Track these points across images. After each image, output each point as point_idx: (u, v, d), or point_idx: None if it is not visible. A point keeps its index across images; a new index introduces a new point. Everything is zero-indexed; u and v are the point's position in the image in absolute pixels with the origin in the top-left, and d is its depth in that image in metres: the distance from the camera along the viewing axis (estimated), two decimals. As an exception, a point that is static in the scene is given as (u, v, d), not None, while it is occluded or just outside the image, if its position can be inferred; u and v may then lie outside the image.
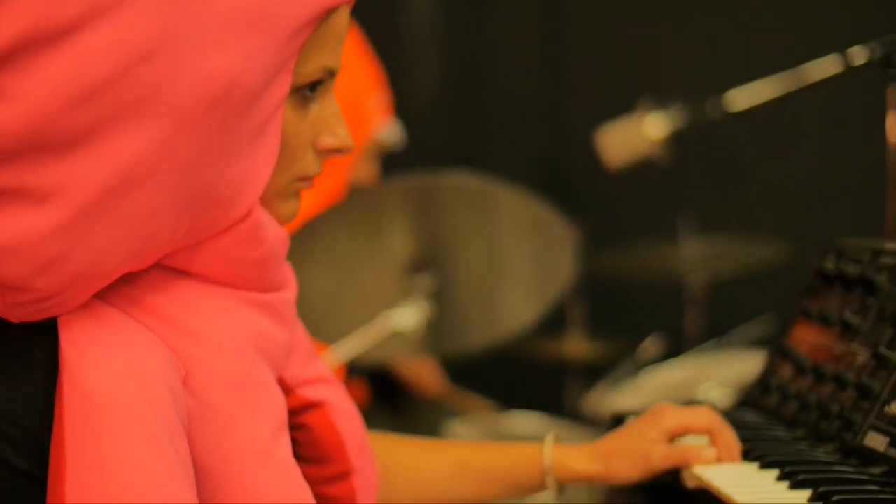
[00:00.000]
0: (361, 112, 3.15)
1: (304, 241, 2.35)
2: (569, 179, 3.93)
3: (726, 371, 2.81)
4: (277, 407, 1.08)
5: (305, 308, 2.40)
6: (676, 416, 1.36)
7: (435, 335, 2.55)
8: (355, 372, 3.14)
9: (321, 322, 2.44)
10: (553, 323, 3.42)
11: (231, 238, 1.03)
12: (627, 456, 1.35)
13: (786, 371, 1.51)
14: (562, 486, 1.40)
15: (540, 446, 1.39)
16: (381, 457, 1.37)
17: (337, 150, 1.10)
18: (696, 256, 3.20)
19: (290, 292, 1.16)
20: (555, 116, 4.03)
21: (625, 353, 3.30)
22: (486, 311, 2.57)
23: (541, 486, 1.40)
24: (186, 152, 0.93)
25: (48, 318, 0.97)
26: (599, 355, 3.38)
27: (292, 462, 1.09)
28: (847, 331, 1.41)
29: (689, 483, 1.32)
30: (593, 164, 2.77)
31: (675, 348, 3.16)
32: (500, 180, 2.47)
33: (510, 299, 2.55)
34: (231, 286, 1.06)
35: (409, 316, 2.40)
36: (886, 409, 1.27)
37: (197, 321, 1.03)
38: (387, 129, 3.12)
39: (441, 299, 2.50)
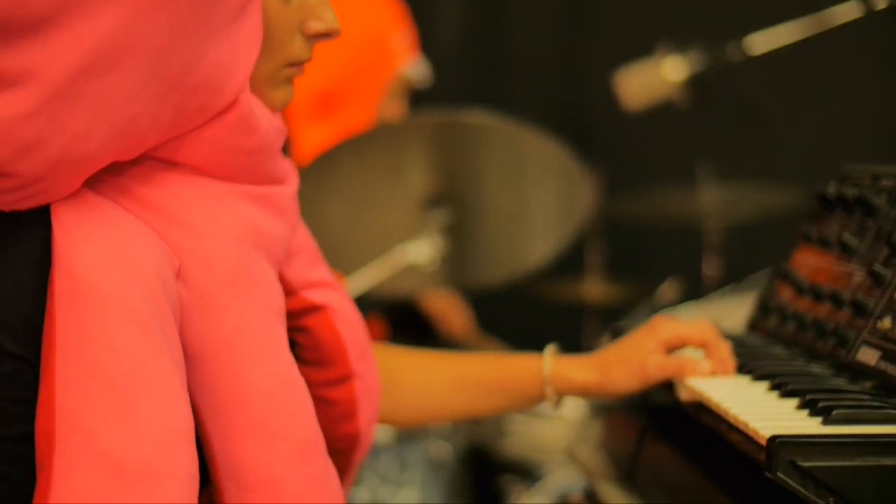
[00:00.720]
0: (385, 50, 3.17)
1: (324, 174, 2.38)
2: (590, 125, 3.94)
3: (743, 316, 2.83)
4: (273, 299, 1.10)
5: (323, 239, 2.44)
6: (673, 328, 1.38)
7: (452, 270, 2.58)
8: (375, 307, 3.17)
9: (338, 253, 2.48)
10: (572, 266, 3.44)
11: (220, 127, 1.04)
12: (625, 366, 1.38)
13: (786, 293, 1.53)
14: (561, 398, 1.43)
15: (540, 358, 1.42)
16: (383, 367, 1.40)
17: (325, 35, 1.11)
18: (714, 202, 3.21)
19: (290, 186, 1.17)
20: (576, 62, 4.04)
21: (642, 297, 3.32)
22: (502, 247, 2.59)
23: (541, 398, 1.43)
24: (157, 34, 0.93)
25: (41, 207, 0.99)
26: (617, 299, 3.41)
27: (287, 354, 1.12)
28: (845, 252, 1.43)
29: (683, 395, 1.34)
30: (614, 110, 2.78)
31: (693, 293, 3.18)
32: (520, 122, 2.49)
33: (527, 236, 2.58)
34: (226, 178, 1.08)
35: (424, 250, 2.42)
36: (879, 324, 1.29)
37: (190, 213, 1.05)
38: (413, 66, 3.14)
39: (458, 235, 2.53)
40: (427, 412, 1.47)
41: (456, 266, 2.59)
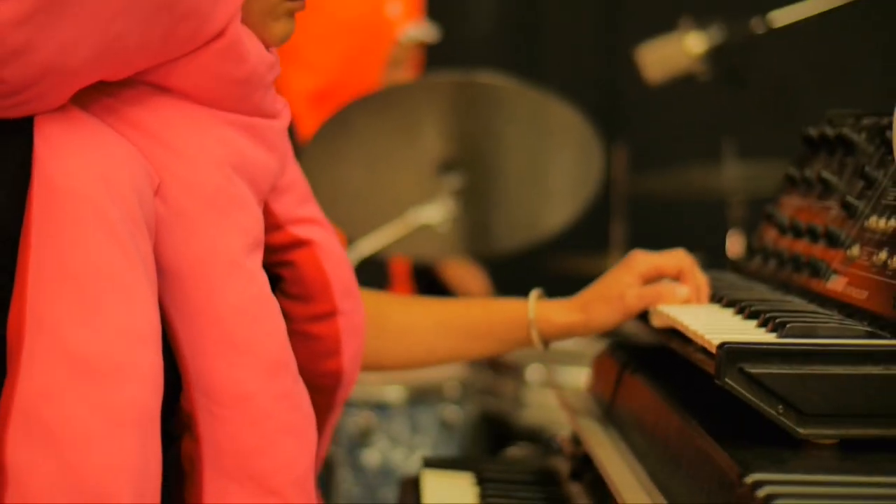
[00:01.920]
0: (380, 24, 3.19)
1: (339, 136, 2.42)
2: (621, 103, 3.96)
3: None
4: (252, 223, 1.13)
5: (338, 201, 2.48)
6: (649, 260, 1.41)
7: (468, 235, 2.61)
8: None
9: (353, 215, 2.51)
10: (596, 241, 3.46)
11: (210, 54, 1.08)
12: (604, 301, 1.40)
13: (770, 235, 1.54)
14: (546, 342, 1.45)
15: (525, 302, 1.45)
16: (370, 310, 1.43)
17: None
18: (738, 178, 3.22)
19: (281, 122, 1.20)
20: (611, 39, 4.06)
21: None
22: (518, 212, 2.61)
23: (526, 341, 1.45)
24: None
25: (25, 120, 1.02)
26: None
27: (262, 277, 1.14)
28: (826, 189, 1.44)
29: (655, 322, 1.36)
30: (645, 89, 2.80)
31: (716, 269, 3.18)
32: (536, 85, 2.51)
33: (543, 202, 2.60)
34: (216, 106, 1.11)
35: (438, 213, 2.45)
36: (848, 253, 1.30)
37: (175, 135, 1.09)
38: (414, 30, 3.15)
39: (473, 199, 2.55)
40: (413, 355, 1.49)
41: (472, 231, 2.61)
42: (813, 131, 1.52)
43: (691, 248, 3.45)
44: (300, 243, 1.24)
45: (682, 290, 1.36)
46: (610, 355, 1.57)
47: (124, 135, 1.07)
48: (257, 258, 1.14)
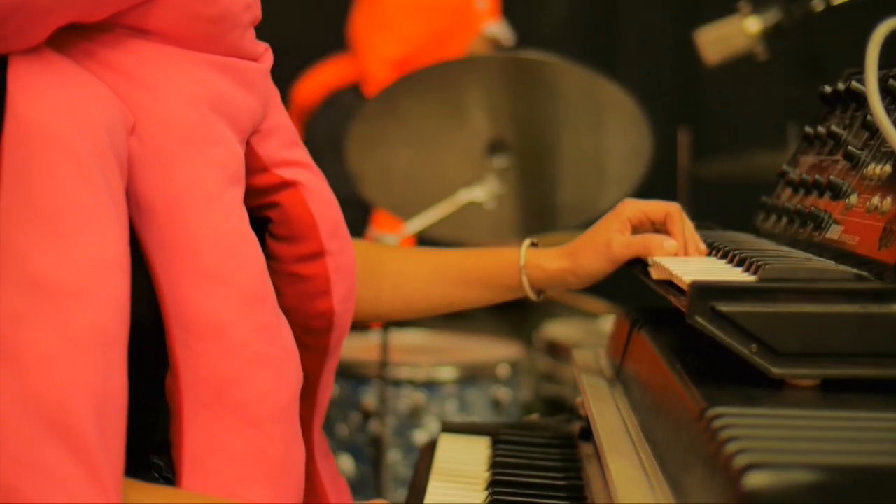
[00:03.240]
0: (468, 12, 3.23)
1: (388, 117, 2.43)
2: (694, 89, 3.93)
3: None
4: (229, 159, 1.15)
5: (386, 182, 2.50)
6: (636, 206, 1.41)
7: (520, 217, 2.61)
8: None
9: (403, 196, 2.53)
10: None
11: None
12: (592, 248, 1.40)
13: (785, 194, 1.52)
14: (538, 290, 1.46)
15: (516, 250, 1.45)
16: (365, 259, 1.45)
17: None
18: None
19: (263, 64, 1.24)
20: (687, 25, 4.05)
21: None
22: (568, 193, 2.61)
23: (518, 289, 1.46)
24: None
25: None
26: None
27: (240, 212, 1.16)
28: (836, 144, 1.42)
29: (654, 274, 1.35)
30: (716, 75, 2.78)
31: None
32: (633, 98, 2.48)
33: (593, 182, 2.59)
34: (192, 47, 1.14)
35: (487, 194, 2.45)
36: (847, 202, 1.28)
37: (150, 74, 1.12)
38: (496, 27, 3.19)
39: (522, 179, 2.55)
40: (408, 303, 1.51)
41: (524, 213, 2.61)
42: (828, 88, 1.50)
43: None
44: (286, 184, 1.26)
45: (670, 242, 1.35)
46: (625, 315, 1.56)
47: (100, 76, 1.09)
48: (235, 193, 1.16)
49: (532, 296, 1.46)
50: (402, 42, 3.25)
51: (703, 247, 1.37)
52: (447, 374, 2.61)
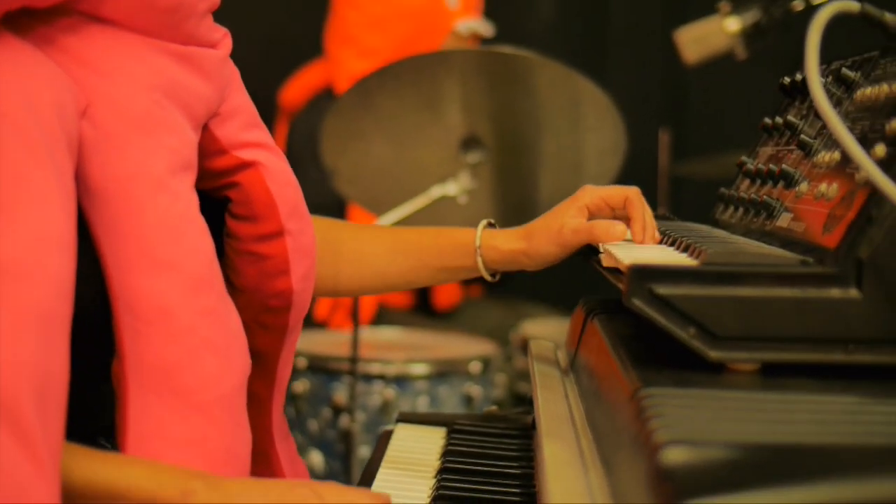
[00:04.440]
0: (438, 14, 3.22)
1: (362, 111, 2.43)
2: (684, 92, 3.94)
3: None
4: (180, 146, 1.15)
5: (360, 176, 2.49)
6: (594, 192, 1.40)
7: (496, 213, 2.60)
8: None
9: (375, 191, 2.52)
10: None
11: None
12: (546, 232, 1.40)
13: (743, 185, 1.51)
14: (493, 271, 1.45)
15: (473, 230, 1.45)
16: (325, 237, 1.45)
17: None
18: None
19: (221, 51, 1.24)
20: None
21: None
22: (544, 189, 2.60)
23: (473, 269, 1.45)
24: None
25: None
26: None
27: (190, 198, 1.16)
28: (792, 133, 1.41)
29: (604, 261, 1.34)
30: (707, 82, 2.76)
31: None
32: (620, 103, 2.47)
33: (569, 178, 2.58)
34: (148, 34, 1.14)
35: (462, 190, 2.45)
36: (797, 189, 1.27)
37: (104, 59, 1.12)
38: (473, 23, 3.18)
39: (497, 175, 2.54)
40: (366, 280, 1.50)
41: (499, 209, 2.60)
42: (787, 79, 1.49)
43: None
44: (245, 165, 1.26)
45: (618, 226, 1.35)
46: (582, 305, 1.55)
47: (54, 59, 1.09)
48: (185, 179, 1.16)
49: (486, 276, 1.46)
50: (366, 56, 3.24)
51: (657, 234, 1.37)
52: (419, 369, 2.60)
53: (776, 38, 3.06)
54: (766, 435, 0.84)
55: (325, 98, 3.34)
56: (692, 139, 3.74)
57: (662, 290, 1.05)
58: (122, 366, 1.12)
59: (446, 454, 1.46)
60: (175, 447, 1.12)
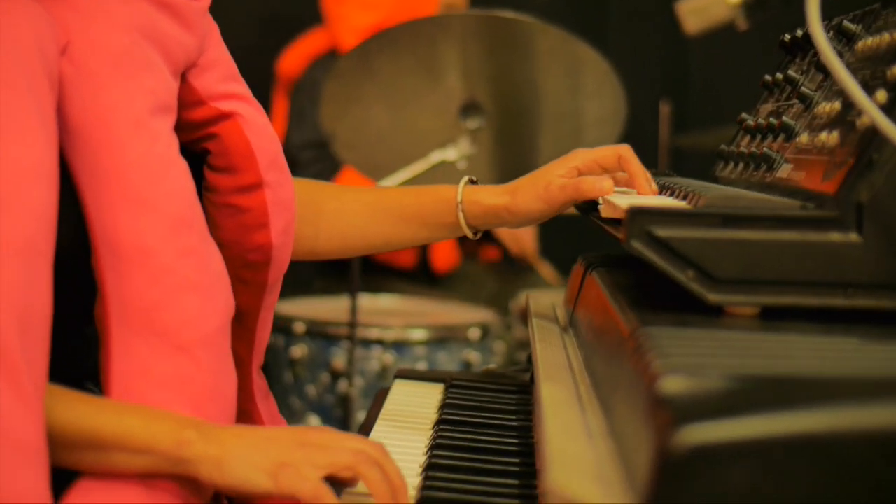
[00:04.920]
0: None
1: (361, 75, 2.42)
2: (686, 63, 3.93)
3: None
4: (159, 87, 1.15)
5: (359, 142, 2.49)
6: (586, 154, 1.40)
7: (498, 180, 2.59)
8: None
9: (374, 157, 2.52)
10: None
11: None
12: (532, 189, 1.40)
13: (744, 141, 1.51)
14: (475, 229, 1.45)
15: (455, 186, 1.44)
16: (305, 198, 1.45)
17: None
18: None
19: (201, 2, 1.25)
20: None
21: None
22: (545, 156, 2.59)
23: (455, 226, 1.45)
24: None
25: None
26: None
27: (169, 139, 1.16)
28: (792, 88, 1.41)
29: (603, 212, 1.34)
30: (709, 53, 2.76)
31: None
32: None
33: (569, 145, 2.57)
34: None
35: (461, 155, 2.44)
36: (797, 140, 1.27)
37: (85, 1, 1.12)
38: None
39: (496, 141, 2.54)
40: (347, 240, 1.50)
41: (501, 176, 2.60)
42: (786, 36, 1.49)
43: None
44: (223, 116, 1.26)
45: (606, 181, 1.34)
46: (581, 261, 1.55)
47: (39, 1, 1.09)
48: (165, 120, 1.16)
49: (468, 233, 1.45)
50: (370, 10, 3.23)
51: (655, 186, 1.36)
52: (417, 335, 2.60)
53: (777, 9, 3.05)
54: (764, 367, 0.84)
55: (326, 60, 3.33)
56: (692, 112, 3.73)
57: (661, 231, 1.04)
58: (104, 306, 1.12)
59: (444, 407, 1.46)
60: (159, 388, 1.11)
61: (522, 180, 1.43)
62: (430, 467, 1.22)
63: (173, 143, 1.15)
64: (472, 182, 1.47)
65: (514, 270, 3.47)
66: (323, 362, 2.59)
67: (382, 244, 1.51)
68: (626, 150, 1.37)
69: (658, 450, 0.74)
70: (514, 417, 1.43)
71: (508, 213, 1.42)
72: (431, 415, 1.46)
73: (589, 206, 1.45)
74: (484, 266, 3.57)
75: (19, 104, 1.01)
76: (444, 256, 3.42)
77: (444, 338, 2.61)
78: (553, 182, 1.39)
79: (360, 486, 1.11)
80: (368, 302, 2.92)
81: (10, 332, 0.95)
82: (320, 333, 2.58)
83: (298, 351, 2.59)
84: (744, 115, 1.53)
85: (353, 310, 2.38)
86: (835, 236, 1.04)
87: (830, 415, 0.74)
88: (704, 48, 2.84)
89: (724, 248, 1.04)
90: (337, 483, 1.08)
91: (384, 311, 2.85)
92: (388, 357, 2.56)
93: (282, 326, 2.59)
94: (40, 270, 0.99)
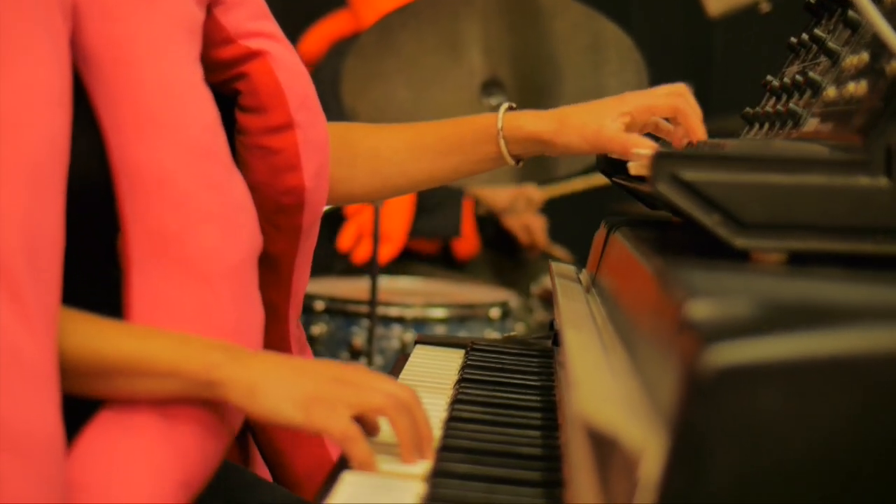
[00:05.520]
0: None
1: (383, 52, 2.41)
2: (709, 47, 3.92)
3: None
4: (180, 13, 1.13)
5: (380, 120, 2.47)
6: (641, 98, 1.37)
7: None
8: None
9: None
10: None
11: None
12: (581, 128, 1.37)
13: (770, 103, 1.50)
14: (517, 157, 1.42)
15: (495, 115, 1.42)
16: (340, 139, 1.42)
17: None
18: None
19: None
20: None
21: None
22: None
23: (498, 156, 1.42)
24: None
25: None
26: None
27: (193, 66, 1.14)
28: (819, 47, 1.40)
29: (632, 170, 1.33)
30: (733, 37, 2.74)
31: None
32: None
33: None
34: None
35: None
36: (824, 94, 1.25)
37: None
38: None
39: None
40: (386, 179, 1.46)
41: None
42: (813, -3, 1.48)
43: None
44: (253, 55, 1.24)
45: (652, 143, 1.32)
46: (604, 224, 1.54)
47: None
48: (187, 47, 1.14)
49: (510, 161, 1.42)
50: None
51: (701, 132, 1.35)
52: (438, 313, 2.59)
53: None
54: (794, 294, 0.83)
55: (348, 44, 3.32)
56: (715, 96, 3.71)
57: (688, 174, 1.03)
58: (125, 238, 1.10)
59: (465, 368, 1.45)
60: (180, 320, 1.09)
61: (572, 115, 1.39)
62: (451, 419, 1.21)
63: (196, 70, 1.14)
64: (511, 108, 1.44)
65: (528, 263, 3.46)
66: (343, 340, 2.58)
67: (424, 180, 1.47)
68: (682, 104, 1.35)
69: (685, 372, 0.72)
70: (536, 378, 1.42)
71: (552, 141, 1.39)
72: (452, 376, 1.45)
73: (615, 169, 1.44)
74: (502, 254, 3.56)
75: (29, 32, 1.00)
76: (466, 244, 3.41)
77: (464, 316, 2.60)
78: (605, 128, 1.35)
79: (382, 436, 1.11)
80: (388, 282, 2.91)
81: (16, 254, 0.93)
82: (340, 311, 2.57)
83: (318, 329, 2.59)
84: (769, 77, 1.52)
85: (374, 288, 2.37)
86: (863, 181, 1.02)
87: (862, 336, 0.72)
88: (728, 31, 2.81)
89: (751, 191, 1.03)
90: (361, 424, 1.07)
91: (404, 290, 2.84)
92: (408, 335, 2.55)
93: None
94: (51, 194, 0.98)
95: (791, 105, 1.31)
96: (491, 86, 2.47)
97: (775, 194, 1.03)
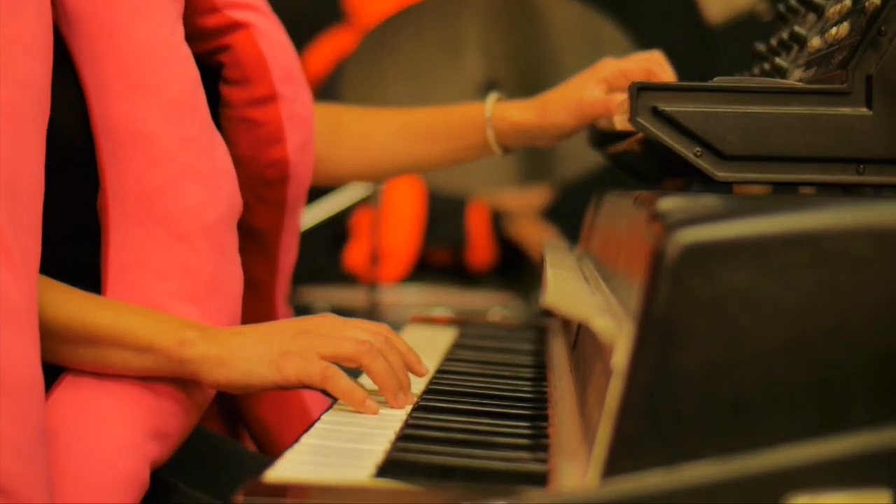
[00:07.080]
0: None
1: (382, 53, 2.41)
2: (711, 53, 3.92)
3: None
4: None
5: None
6: (614, 65, 1.36)
7: (523, 161, 2.57)
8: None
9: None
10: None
11: None
12: (562, 104, 1.36)
13: (756, 69, 1.50)
14: (505, 146, 1.42)
15: (483, 104, 1.42)
16: (328, 121, 1.42)
17: None
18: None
19: None
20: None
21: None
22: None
23: (484, 144, 1.42)
24: None
25: None
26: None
27: (173, 26, 1.13)
28: (805, 6, 1.39)
29: (618, 125, 1.32)
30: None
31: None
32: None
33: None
34: None
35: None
36: (809, 45, 1.25)
37: None
38: None
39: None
40: (374, 162, 1.46)
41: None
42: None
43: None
44: (237, 25, 1.24)
45: None
46: (593, 199, 1.53)
47: None
48: (168, 6, 1.13)
49: (497, 151, 1.42)
50: None
51: None
52: (440, 314, 2.57)
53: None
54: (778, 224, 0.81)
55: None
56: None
57: (667, 106, 1.03)
58: (104, 195, 1.09)
59: (459, 338, 1.44)
60: (157, 276, 1.09)
61: (551, 95, 1.39)
62: (440, 371, 1.20)
63: (177, 29, 1.13)
64: (499, 99, 1.44)
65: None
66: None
67: (410, 165, 1.47)
68: (656, 65, 1.34)
69: (652, 257, 0.71)
70: (528, 347, 1.41)
71: (539, 129, 1.38)
72: (445, 348, 1.44)
73: (604, 140, 1.43)
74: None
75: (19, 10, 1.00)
76: (479, 253, 3.39)
77: (464, 320, 2.58)
78: (585, 97, 1.35)
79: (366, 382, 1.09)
80: (392, 291, 2.90)
81: None
82: (340, 314, 2.55)
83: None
84: (758, 45, 1.51)
85: (373, 287, 2.36)
86: (845, 110, 1.02)
87: (826, 214, 0.71)
88: (728, 39, 2.81)
89: (732, 122, 1.02)
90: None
91: (406, 295, 2.83)
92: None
93: (301, 309, 2.57)
94: (30, 139, 0.98)
95: (777, 60, 1.30)
96: (490, 87, 2.47)
97: (757, 125, 1.02)
